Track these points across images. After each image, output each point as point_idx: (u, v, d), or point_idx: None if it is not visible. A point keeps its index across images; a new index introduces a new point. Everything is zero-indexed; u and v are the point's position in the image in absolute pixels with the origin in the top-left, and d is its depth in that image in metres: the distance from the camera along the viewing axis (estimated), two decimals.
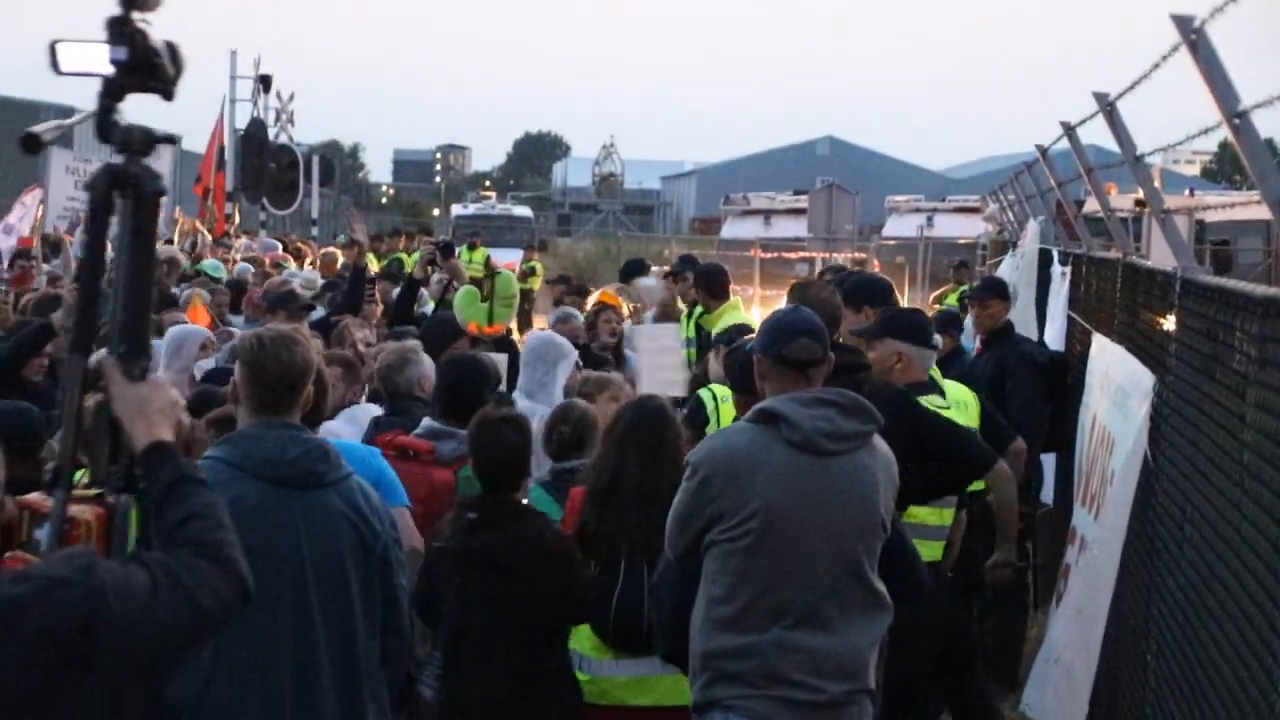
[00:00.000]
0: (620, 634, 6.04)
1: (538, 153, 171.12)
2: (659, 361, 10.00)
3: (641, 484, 5.92)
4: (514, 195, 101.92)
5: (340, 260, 19.27)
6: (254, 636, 4.71)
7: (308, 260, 21.83)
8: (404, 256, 20.37)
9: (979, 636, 9.53)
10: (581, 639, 6.16)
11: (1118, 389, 6.86)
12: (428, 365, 7.79)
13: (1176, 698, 5.20)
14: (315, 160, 38.02)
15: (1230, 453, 4.61)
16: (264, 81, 37.64)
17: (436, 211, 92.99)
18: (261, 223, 36.70)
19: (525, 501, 6.24)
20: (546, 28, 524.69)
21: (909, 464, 6.18)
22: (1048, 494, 10.38)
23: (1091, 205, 12.67)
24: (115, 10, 3.37)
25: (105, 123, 3.46)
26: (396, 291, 13.04)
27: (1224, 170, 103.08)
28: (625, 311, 12.55)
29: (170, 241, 20.12)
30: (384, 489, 5.59)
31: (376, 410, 7.66)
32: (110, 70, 3.41)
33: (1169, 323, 5.97)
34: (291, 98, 40.16)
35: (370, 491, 5.09)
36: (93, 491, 3.45)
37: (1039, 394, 9.65)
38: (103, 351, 3.55)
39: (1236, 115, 4.40)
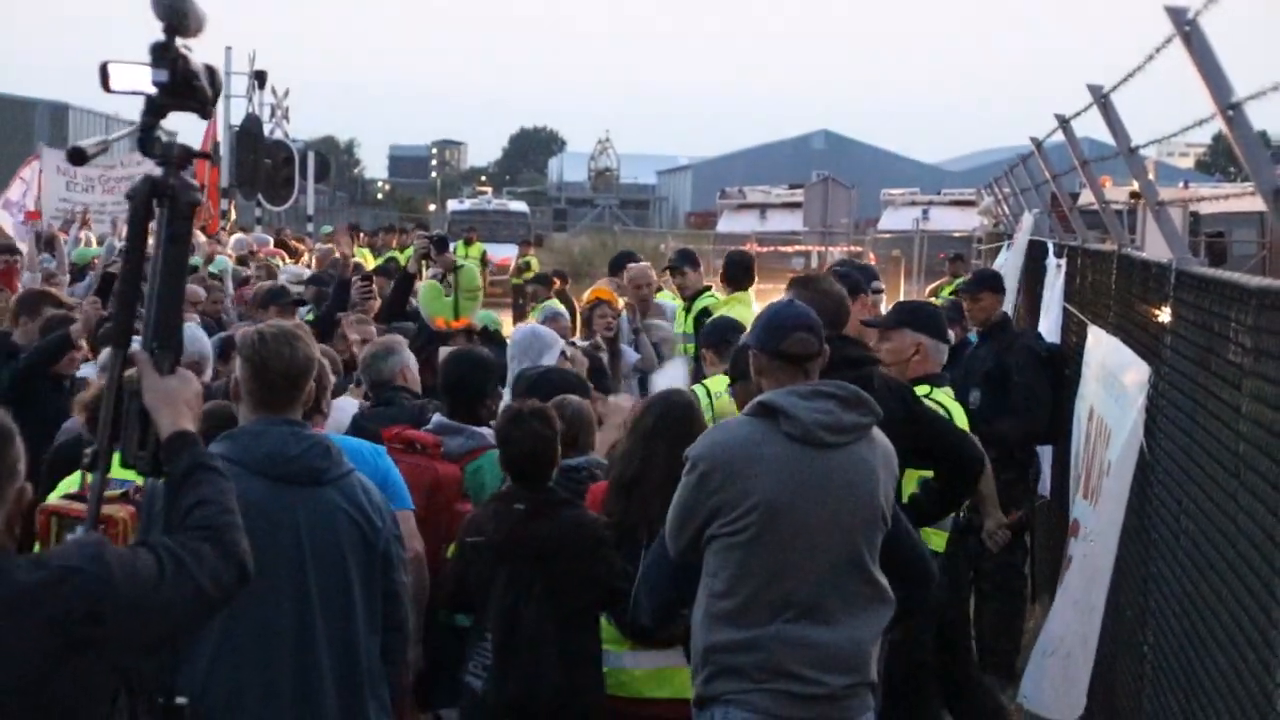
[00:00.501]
0: (639, 626, 6.06)
1: (533, 148, 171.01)
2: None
3: (667, 478, 5.93)
4: (510, 190, 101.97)
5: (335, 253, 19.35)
6: (254, 633, 4.73)
7: (303, 257, 21.82)
8: (398, 254, 20.36)
9: (976, 629, 9.58)
10: (600, 631, 6.18)
11: (1113, 381, 6.88)
12: (408, 356, 7.87)
13: (1173, 688, 5.22)
14: (311, 156, 37.86)
15: (1226, 444, 4.63)
16: (259, 77, 37.53)
17: (432, 207, 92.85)
18: (257, 219, 36.66)
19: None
20: (541, 23, 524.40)
21: (909, 467, 6.25)
22: (1044, 486, 10.40)
23: (1087, 197, 12.68)
24: (160, 37, 3.69)
25: (147, 138, 3.77)
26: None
27: (1218, 162, 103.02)
28: (620, 306, 12.52)
29: None
30: (389, 490, 5.60)
31: (353, 405, 7.67)
32: (153, 90, 3.72)
33: (1164, 314, 5.99)
34: (287, 93, 40.09)
35: (372, 488, 5.10)
36: (117, 491, 3.56)
37: (1042, 386, 9.68)
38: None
39: (1230, 107, 4.41)
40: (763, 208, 46.89)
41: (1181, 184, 36.74)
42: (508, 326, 17.85)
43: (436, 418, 7.03)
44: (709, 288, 12.81)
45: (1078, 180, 10.31)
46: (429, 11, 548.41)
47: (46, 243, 17.99)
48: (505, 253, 38.33)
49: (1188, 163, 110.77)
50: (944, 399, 7.36)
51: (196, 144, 31.68)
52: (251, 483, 4.64)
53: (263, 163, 34.11)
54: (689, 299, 12.53)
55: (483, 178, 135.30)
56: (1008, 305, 11.92)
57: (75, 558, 3.24)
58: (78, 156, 3.94)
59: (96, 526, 3.64)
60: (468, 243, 30.18)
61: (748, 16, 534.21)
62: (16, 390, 8.55)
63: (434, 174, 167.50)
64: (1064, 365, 9.81)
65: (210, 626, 4.37)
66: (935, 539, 6.98)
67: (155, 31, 3.69)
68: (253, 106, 37.47)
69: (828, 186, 32.28)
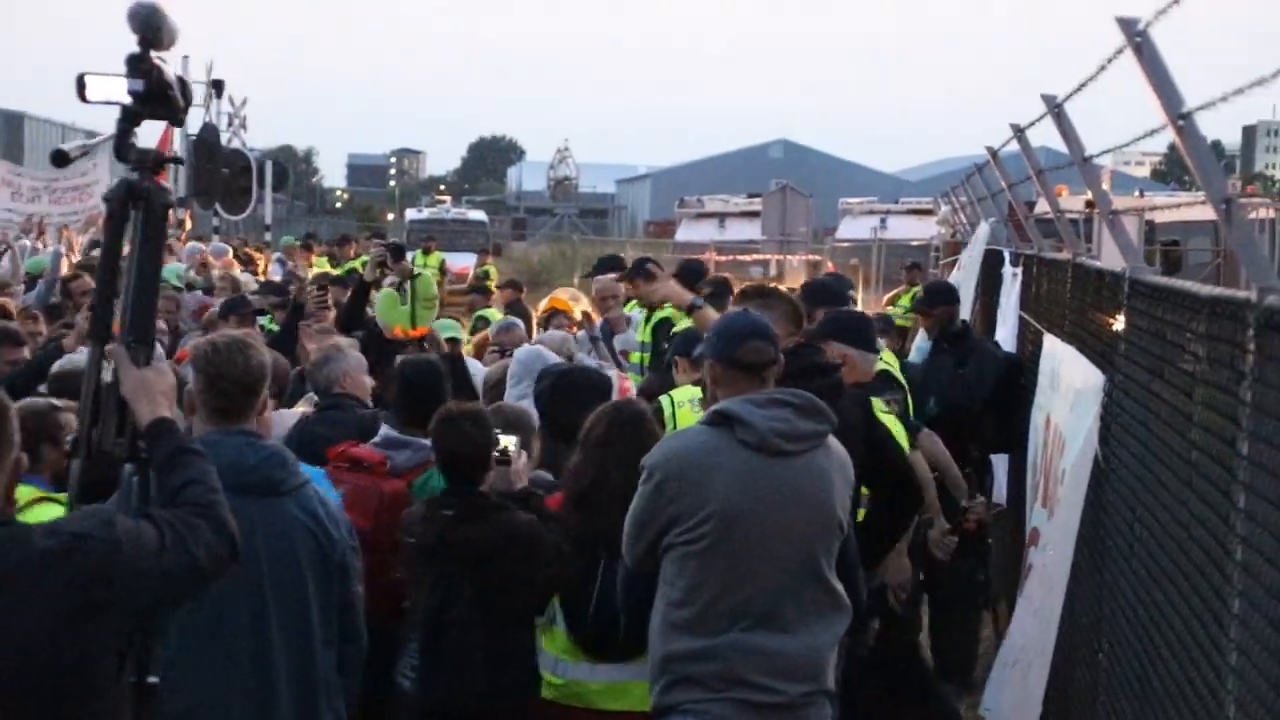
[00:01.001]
0: (598, 639, 6.04)
1: (492, 157, 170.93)
2: None
3: (621, 488, 5.89)
4: (469, 199, 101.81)
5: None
6: (211, 643, 4.71)
7: (260, 267, 21.72)
8: (357, 265, 20.31)
9: (933, 638, 9.61)
10: (555, 641, 6.15)
11: (1069, 388, 6.90)
12: (352, 362, 7.69)
13: (1127, 694, 5.24)
14: (269, 165, 37.73)
15: (1179, 452, 4.64)
16: (216, 86, 37.30)
17: (391, 216, 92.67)
18: (215, 228, 36.49)
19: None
20: (500, 32, 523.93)
21: (866, 486, 6.28)
22: (1000, 494, 10.43)
23: (1043, 206, 12.75)
24: (134, 49, 3.92)
25: (123, 145, 4.00)
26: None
27: (1173, 171, 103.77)
28: (577, 315, 12.48)
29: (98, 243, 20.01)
30: None
31: (293, 415, 7.63)
32: (129, 100, 3.95)
33: (1119, 323, 6.01)
34: (244, 103, 40.04)
35: (328, 499, 5.09)
36: None
37: (988, 382, 9.76)
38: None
39: (1181, 117, 4.43)
40: (721, 216, 46.99)
41: (1137, 193, 36.99)
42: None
43: (384, 430, 6.86)
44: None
45: (1034, 189, 10.36)
46: (388, 20, 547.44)
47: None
48: (464, 262, 38.23)
49: (1144, 171, 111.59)
50: (874, 407, 7.39)
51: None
52: None
53: (220, 172, 33.84)
54: (649, 309, 12.48)
55: (441, 186, 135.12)
56: (964, 314, 11.95)
57: (87, 524, 3.48)
58: (60, 159, 4.19)
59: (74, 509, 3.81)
60: (426, 251, 30.08)
61: (707, 26, 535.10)
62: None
63: (392, 183, 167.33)
64: (1020, 374, 9.84)
65: (168, 634, 4.40)
66: None
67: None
68: (210, 115, 37.28)
69: (786, 195, 32.39)
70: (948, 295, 10.88)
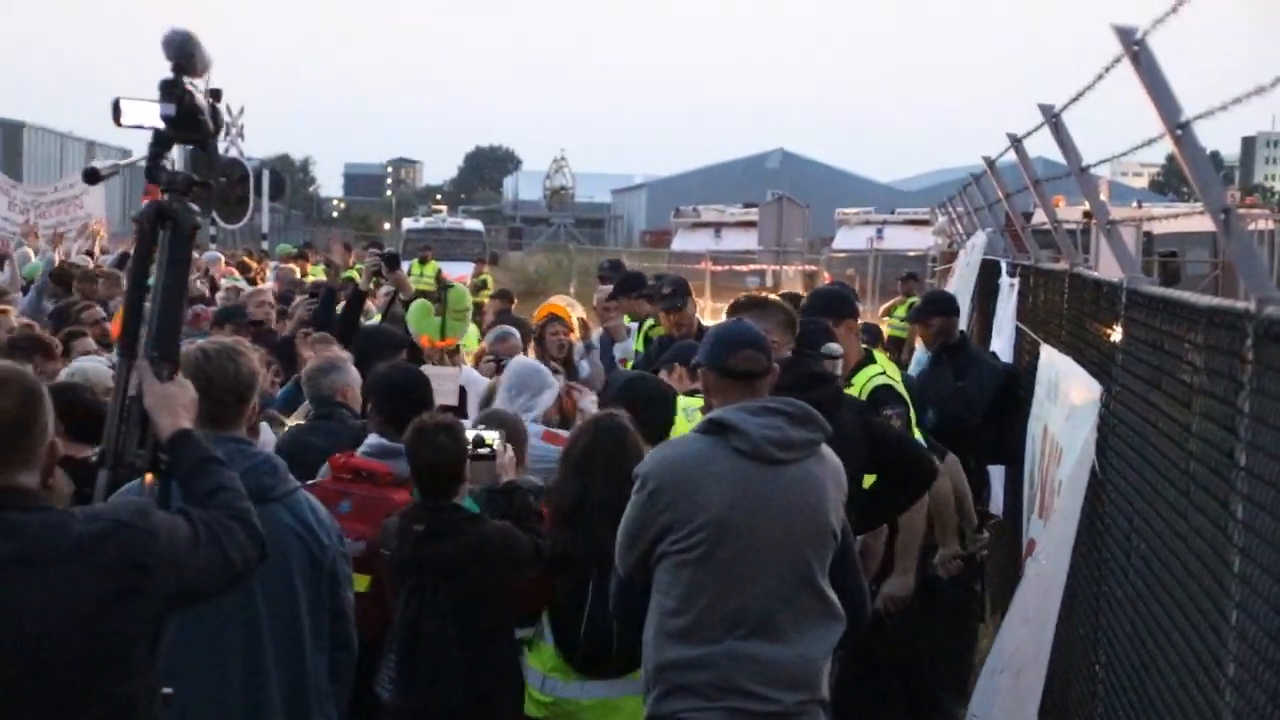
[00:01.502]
0: (589, 656, 6.01)
1: (489, 166, 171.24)
2: None
3: (606, 503, 5.86)
4: (465, 209, 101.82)
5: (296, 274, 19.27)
6: (203, 651, 4.69)
7: (257, 275, 21.71)
8: (354, 274, 20.27)
9: (930, 648, 9.57)
10: (544, 659, 6.12)
11: (1065, 399, 6.89)
12: (353, 375, 7.64)
13: (1125, 707, 5.21)
14: (266, 174, 37.85)
15: (1176, 463, 4.62)
16: (213, 95, 37.42)
17: (388, 225, 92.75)
18: (211, 237, 36.52)
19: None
20: (497, 43, 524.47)
21: (861, 477, 6.27)
22: (996, 505, 10.40)
23: (1040, 217, 12.72)
24: (168, 74, 4.16)
25: (154, 167, 4.21)
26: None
27: (1171, 182, 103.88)
28: (574, 323, 12.44)
29: (90, 253, 20.08)
30: None
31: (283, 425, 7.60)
32: (160, 124, 4.17)
33: (1116, 333, 5.99)
34: (241, 111, 40.11)
35: (318, 506, 5.07)
36: None
37: (987, 394, 9.73)
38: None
39: (1179, 126, 4.40)
40: (717, 226, 46.96)
41: (1135, 203, 36.97)
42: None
43: (373, 439, 6.74)
44: None
45: (1031, 199, 10.33)
46: (385, 31, 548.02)
47: None
48: (460, 271, 38.12)
49: (1142, 182, 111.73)
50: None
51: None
52: None
53: (217, 181, 33.92)
54: (642, 318, 12.47)
55: (438, 196, 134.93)
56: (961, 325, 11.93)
57: (125, 513, 3.70)
58: (92, 176, 4.48)
59: None
60: (423, 261, 30.00)
61: (704, 36, 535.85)
62: None
63: (389, 192, 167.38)
64: (1017, 385, 9.82)
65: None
66: None
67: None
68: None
69: (782, 205, 32.44)
70: (946, 306, 10.85)
